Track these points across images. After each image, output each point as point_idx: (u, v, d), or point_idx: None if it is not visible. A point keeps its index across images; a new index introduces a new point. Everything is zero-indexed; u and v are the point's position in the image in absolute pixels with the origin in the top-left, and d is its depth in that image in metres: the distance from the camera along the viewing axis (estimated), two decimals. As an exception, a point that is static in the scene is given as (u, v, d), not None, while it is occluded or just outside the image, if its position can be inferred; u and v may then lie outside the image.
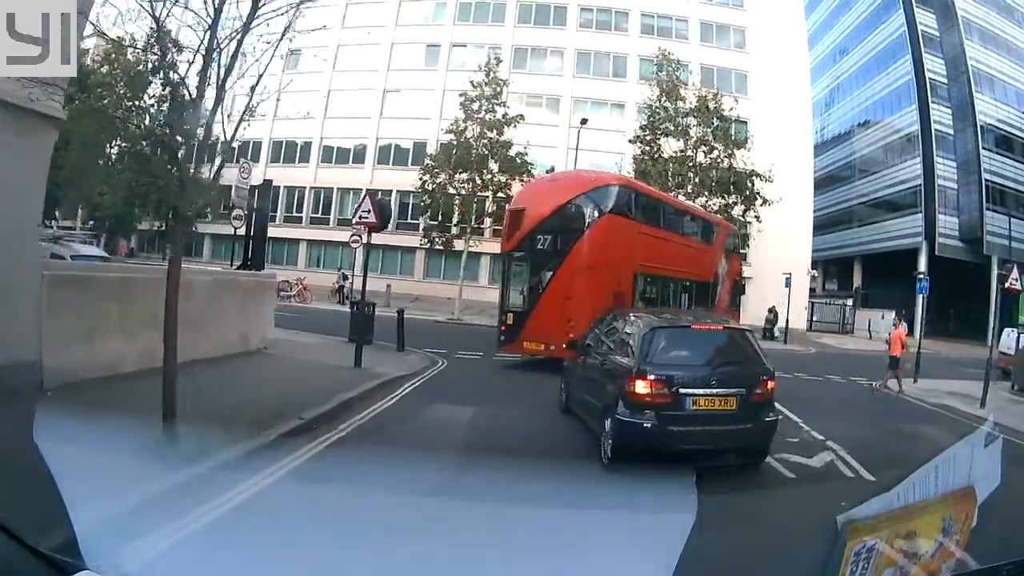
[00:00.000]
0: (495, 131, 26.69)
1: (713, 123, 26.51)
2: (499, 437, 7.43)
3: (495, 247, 33.22)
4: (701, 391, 6.36)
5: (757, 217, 26.83)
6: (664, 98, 27.17)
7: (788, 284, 26.73)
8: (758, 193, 26.50)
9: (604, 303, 11.62)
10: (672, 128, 26.66)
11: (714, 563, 3.75)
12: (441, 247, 28.56)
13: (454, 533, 3.38)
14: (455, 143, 26.88)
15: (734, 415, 6.37)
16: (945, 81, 38.60)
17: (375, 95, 38.27)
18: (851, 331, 34.62)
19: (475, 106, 26.79)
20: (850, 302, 37.32)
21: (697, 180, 25.89)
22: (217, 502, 4.22)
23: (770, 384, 6.63)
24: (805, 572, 1.74)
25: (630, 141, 27.86)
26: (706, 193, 25.86)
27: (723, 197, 26.44)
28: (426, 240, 28.84)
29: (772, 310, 27.27)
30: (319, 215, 38.24)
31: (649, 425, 6.18)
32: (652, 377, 6.32)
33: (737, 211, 26.74)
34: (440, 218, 28.50)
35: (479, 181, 26.58)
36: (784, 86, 34.41)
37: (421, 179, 27.55)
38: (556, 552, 3.00)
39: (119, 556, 1.84)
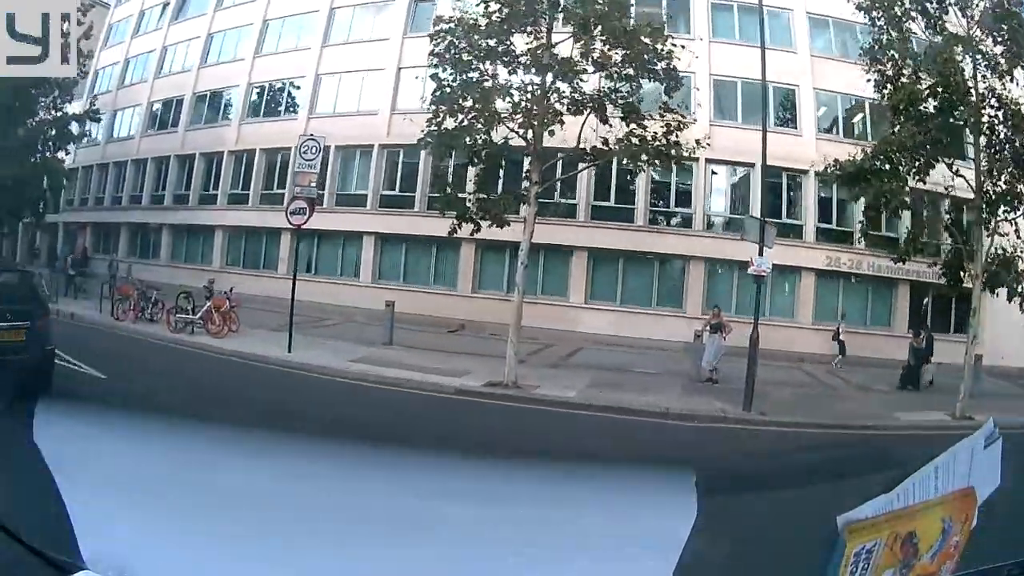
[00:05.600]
0: None
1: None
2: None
3: (600, 234, 21.09)
4: None
5: None
6: None
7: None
8: None
9: None
10: None
11: (713, 565, 3.75)
12: (489, 223, 13.98)
13: (439, 534, 3.37)
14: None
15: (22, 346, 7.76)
16: None
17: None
18: None
19: None
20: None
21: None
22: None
23: (48, 317, 8.51)
24: (805, 574, 1.75)
25: (859, 7, 13.87)
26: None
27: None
28: (450, 214, 14.36)
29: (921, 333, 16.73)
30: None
31: None
32: None
33: None
34: (479, 176, 14.45)
35: (558, 83, 13.21)
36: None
37: (434, 74, 13.75)
38: (550, 554, 3.00)
39: (119, 556, 1.84)
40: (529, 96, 13.39)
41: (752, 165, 20.46)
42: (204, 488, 4.48)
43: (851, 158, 14.22)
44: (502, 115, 13.28)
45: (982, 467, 1.84)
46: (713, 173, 21.84)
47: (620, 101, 13.54)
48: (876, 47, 13.91)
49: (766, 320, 16.89)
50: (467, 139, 13.54)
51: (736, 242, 16.57)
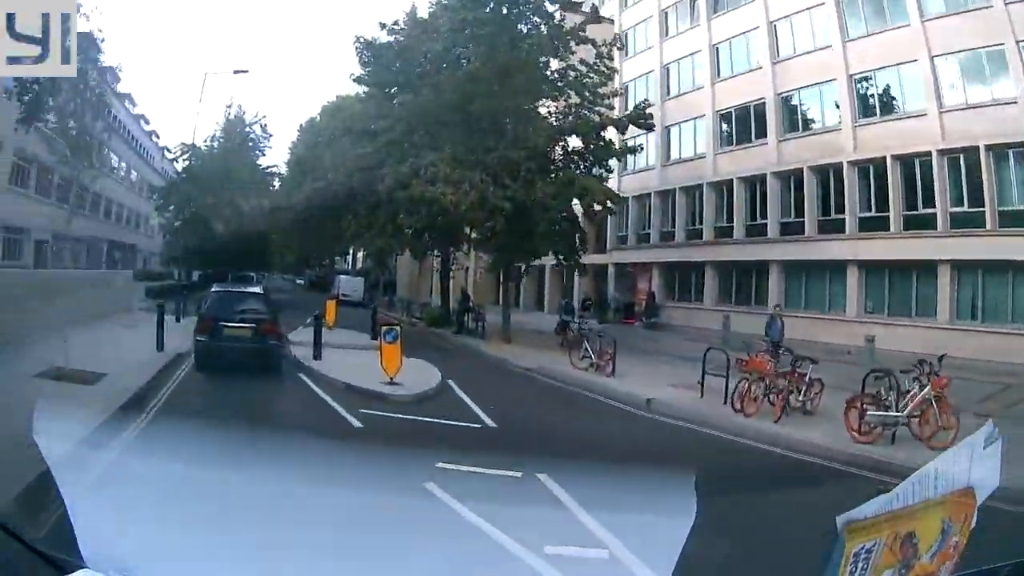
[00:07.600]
0: None
1: None
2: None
3: None
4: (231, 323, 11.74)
5: None
6: None
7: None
8: None
9: None
10: None
11: (713, 565, 3.75)
12: None
13: (441, 535, 3.38)
14: None
15: (251, 338, 11.74)
16: None
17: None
18: None
19: None
20: None
21: None
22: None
23: (274, 323, 12.37)
24: (805, 574, 1.75)
25: None
26: None
27: None
28: None
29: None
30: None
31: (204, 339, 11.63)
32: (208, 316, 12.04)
33: None
34: None
35: None
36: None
37: None
38: (551, 554, 3.00)
39: (118, 554, 1.84)
40: None
41: None
42: (204, 488, 4.48)
43: None
44: None
45: (982, 467, 1.84)
46: None
47: None
48: None
49: None
50: None
51: None
